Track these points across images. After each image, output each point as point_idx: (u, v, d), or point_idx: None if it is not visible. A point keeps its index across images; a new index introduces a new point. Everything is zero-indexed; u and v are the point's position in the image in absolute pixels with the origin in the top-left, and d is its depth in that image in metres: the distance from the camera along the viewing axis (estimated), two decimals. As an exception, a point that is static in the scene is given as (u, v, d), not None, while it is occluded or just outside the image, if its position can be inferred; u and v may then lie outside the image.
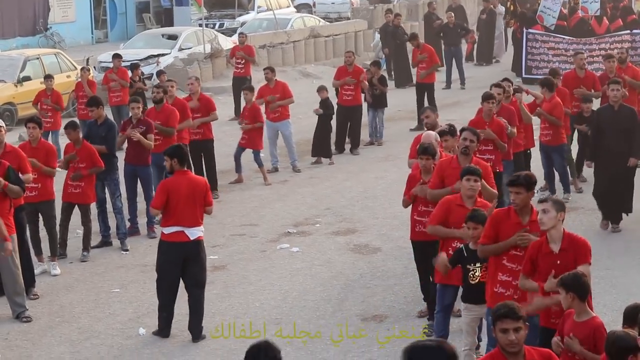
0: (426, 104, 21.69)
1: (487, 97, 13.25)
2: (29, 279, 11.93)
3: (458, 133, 11.07)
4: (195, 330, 10.61)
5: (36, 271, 12.49)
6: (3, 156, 11.65)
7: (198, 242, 10.53)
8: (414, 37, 23.61)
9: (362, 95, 19.97)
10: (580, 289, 7.28)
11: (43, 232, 13.02)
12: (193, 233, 10.47)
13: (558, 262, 8.01)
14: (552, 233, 8.09)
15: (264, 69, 18.97)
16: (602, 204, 13.81)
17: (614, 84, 13.97)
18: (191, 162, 16.16)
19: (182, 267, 10.52)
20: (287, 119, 18.39)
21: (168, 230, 10.51)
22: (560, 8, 27.76)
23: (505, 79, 14.86)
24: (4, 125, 12.37)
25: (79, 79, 21.40)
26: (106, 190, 14.02)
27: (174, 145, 11.31)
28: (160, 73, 21.10)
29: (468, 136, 10.36)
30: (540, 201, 8.20)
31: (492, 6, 31.17)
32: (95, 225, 14.18)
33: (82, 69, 21.47)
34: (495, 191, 10.47)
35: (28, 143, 12.86)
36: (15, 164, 11.56)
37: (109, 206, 14.05)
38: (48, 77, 20.00)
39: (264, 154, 17.72)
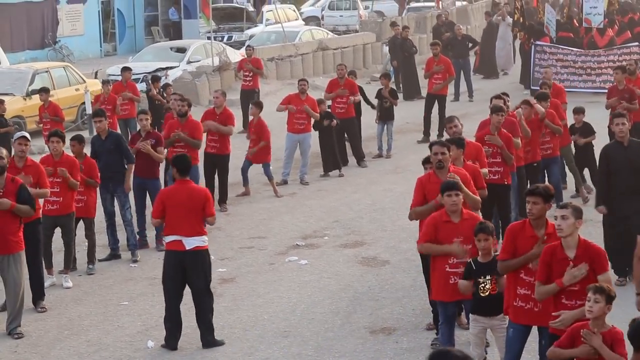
0: (434, 115, 21.76)
1: (496, 110, 13.17)
2: (39, 293, 11.98)
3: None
4: (203, 339, 10.61)
5: (45, 284, 12.50)
6: (24, 169, 11.83)
7: (196, 252, 10.47)
8: (436, 45, 22.92)
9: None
10: (612, 299, 7.33)
11: (54, 245, 13.04)
12: (190, 242, 10.44)
13: (573, 268, 8.00)
14: (568, 240, 8.08)
15: (300, 80, 18.94)
16: (618, 257, 11.70)
17: (619, 117, 12.19)
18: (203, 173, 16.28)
19: (184, 276, 10.53)
20: (310, 131, 18.41)
21: (167, 239, 10.63)
22: (574, 20, 27.86)
23: (504, 93, 14.80)
24: (30, 138, 12.44)
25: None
26: (115, 202, 14.04)
27: (177, 155, 11.33)
28: (166, 86, 21.13)
29: (438, 150, 10.28)
30: (561, 207, 8.17)
31: (491, 19, 31.32)
32: (104, 238, 14.22)
33: (104, 82, 21.45)
34: (479, 198, 10.42)
35: (51, 157, 12.84)
36: (35, 178, 11.76)
37: (118, 219, 14.06)
38: (42, 91, 20.01)
39: (273, 166, 17.69)
